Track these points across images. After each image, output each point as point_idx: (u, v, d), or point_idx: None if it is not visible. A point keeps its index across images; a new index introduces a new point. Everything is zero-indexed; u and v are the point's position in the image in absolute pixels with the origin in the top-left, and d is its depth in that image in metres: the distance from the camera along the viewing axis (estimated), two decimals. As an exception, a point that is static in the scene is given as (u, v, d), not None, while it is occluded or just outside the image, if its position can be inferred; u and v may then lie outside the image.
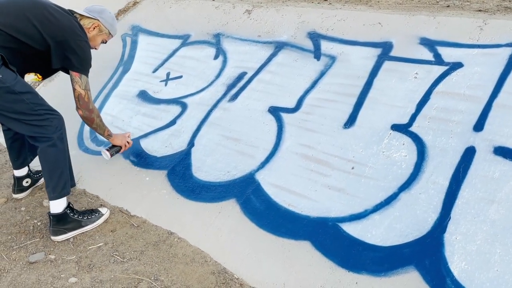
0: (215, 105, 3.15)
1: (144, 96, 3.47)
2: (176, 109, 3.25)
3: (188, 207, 2.62)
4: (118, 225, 2.59)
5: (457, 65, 2.54)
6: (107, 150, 2.91)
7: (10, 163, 2.92)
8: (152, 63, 3.73)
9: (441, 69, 2.57)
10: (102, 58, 3.98)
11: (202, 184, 2.71)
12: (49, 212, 2.47)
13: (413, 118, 2.44)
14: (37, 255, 2.37)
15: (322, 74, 2.95)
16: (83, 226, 2.53)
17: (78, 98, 2.52)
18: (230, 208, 2.51)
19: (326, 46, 3.11)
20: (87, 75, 2.55)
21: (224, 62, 3.44)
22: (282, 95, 2.97)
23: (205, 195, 2.64)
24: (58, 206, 2.45)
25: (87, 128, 3.36)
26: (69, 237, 2.49)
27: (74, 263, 2.31)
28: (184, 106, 3.24)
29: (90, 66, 2.57)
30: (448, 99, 2.42)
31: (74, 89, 2.51)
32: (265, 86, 3.09)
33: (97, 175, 3.02)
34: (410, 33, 2.88)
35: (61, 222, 2.47)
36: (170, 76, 3.53)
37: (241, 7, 3.85)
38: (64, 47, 2.41)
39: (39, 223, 2.63)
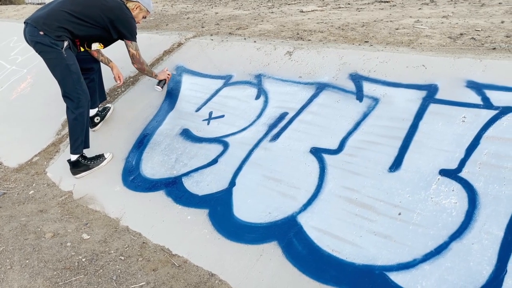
0: (256, 145, 3.17)
1: (186, 134, 3.55)
2: (218, 148, 3.30)
3: (229, 248, 2.60)
4: (160, 264, 2.60)
5: (507, 110, 2.47)
6: (158, 85, 4.04)
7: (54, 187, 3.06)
8: (195, 102, 3.83)
9: (490, 113, 2.52)
10: (148, 96, 4.14)
11: (243, 225, 2.69)
12: (69, 159, 3.60)
13: (462, 163, 2.37)
14: (81, 292, 2.41)
15: (365, 115, 2.93)
16: (90, 168, 3.63)
17: (132, 56, 3.63)
18: (272, 251, 2.48)
19: (368, 88, 3.11)
20: (135, 40, 3.59)
21: (266, 102, 3.49)
22: (324, 136, 2.96)
23: (246, 236, 2.62)
24: (73, 157, 3.58)
25: (127, 167, 3.47)
26: (83, 176, 3.62)
27: (117, 302, 2.32)
28: (225, 145, 3.29)
29: (136, 34, 3.59)
30: (500, 145, 2.34)
31: (129, 51, 3.59)
32: (306, 126, 3.10)
33: (140, 212, 3.07)
34: (456, 76, 2.84)
35: (76, 166, 3.61)
36: (213, 115, 3.61)
37: (282, 48, 3.94)
38: (117, 23, 3.44)
39: (83, 260, 2.68)
